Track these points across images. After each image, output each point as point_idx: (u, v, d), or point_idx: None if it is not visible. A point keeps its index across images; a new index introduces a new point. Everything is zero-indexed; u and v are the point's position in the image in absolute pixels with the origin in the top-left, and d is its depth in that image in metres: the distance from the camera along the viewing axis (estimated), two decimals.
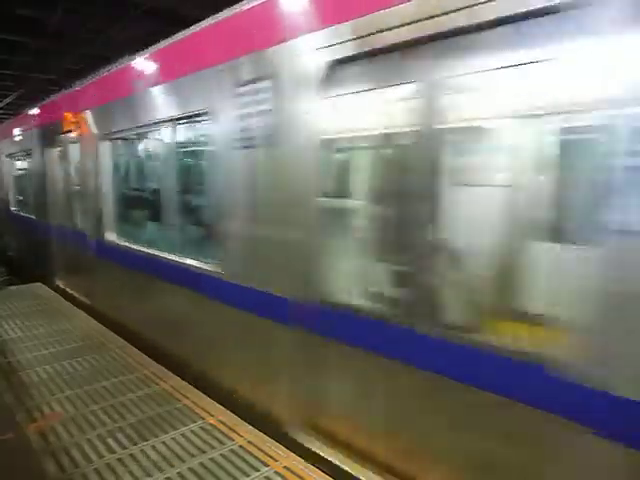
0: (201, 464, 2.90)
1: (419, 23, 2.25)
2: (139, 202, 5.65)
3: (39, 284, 7.87)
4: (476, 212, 2.64)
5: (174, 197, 4.45)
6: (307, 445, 3.04)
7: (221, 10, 3.53)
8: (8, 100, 16.71)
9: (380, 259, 2.98)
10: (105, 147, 5.65)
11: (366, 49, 2.49)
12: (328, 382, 2.95)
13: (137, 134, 5.22)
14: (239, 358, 3.61)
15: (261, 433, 3.24)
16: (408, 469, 2.61)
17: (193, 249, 4.27)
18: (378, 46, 2.43)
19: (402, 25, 2.31)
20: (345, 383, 2.88)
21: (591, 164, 2.06)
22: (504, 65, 2.11)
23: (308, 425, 3.08)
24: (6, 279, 9.47)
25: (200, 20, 3.79)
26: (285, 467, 2.86)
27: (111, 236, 5.69)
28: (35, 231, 8.63)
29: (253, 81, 3.17)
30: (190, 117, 4.00)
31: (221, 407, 3.61)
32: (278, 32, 2.96)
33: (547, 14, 1.89)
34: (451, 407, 2.37)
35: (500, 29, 2.04)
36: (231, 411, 3.54)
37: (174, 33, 4.14)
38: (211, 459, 2.95)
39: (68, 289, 7.36)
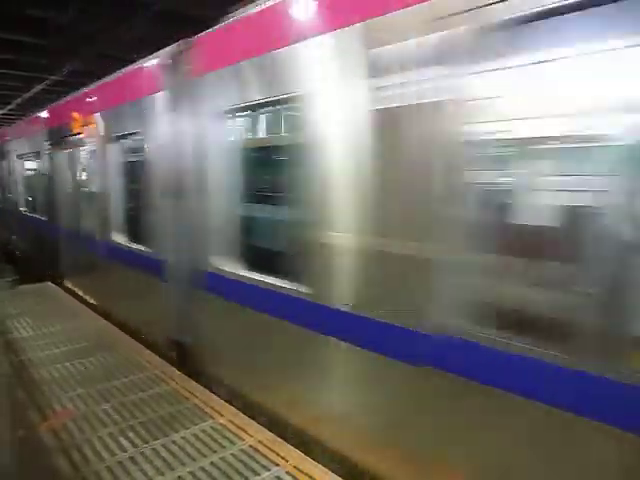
0: (212, 463, 2.92)
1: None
2: None
3: (49, 283, 7.93)
4: None
5: None
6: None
7: (230, 9, 3.55)
8: (18, 101, 16.86)
9: None
10: None
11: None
12: None
13: None
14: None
15: (271, 433, 3.25)
16: None
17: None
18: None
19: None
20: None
21: None
22: None
23: None
24: (16, 278, 9.56)
25: (210, 19, 3.79)
26: (295, 467, 2.88)
27: None
28: None
29: None
30: None
31: (231, 407, 3.62)
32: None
33: None
34: None
35: None
36: (241, 411, 3.55)
37: (182, 34, 4.15)
38: (222, 458, 2.97)
39: None
